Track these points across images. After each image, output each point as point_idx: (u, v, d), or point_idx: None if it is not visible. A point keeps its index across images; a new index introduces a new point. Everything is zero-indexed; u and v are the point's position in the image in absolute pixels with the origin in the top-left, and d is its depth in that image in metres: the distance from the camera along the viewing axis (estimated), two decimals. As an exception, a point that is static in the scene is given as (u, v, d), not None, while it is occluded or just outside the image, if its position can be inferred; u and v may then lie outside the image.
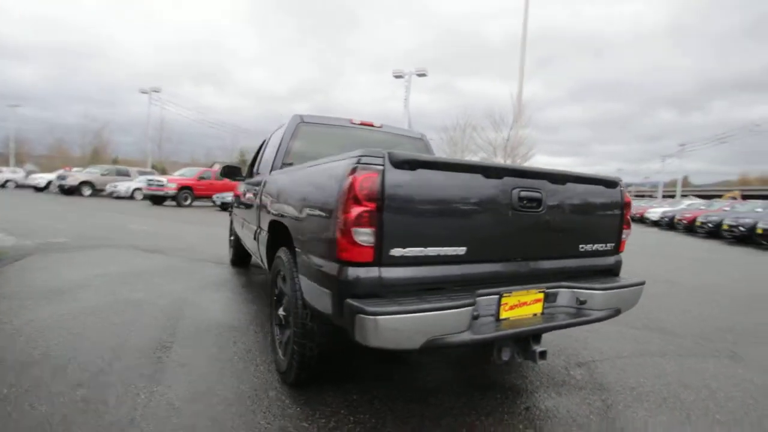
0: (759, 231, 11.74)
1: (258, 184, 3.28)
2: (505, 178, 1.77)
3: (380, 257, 1.48)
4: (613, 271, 2.25)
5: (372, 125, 3.56)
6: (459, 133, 29.67)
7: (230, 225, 5.64)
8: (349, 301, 1.45)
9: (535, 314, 1.83)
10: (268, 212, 2.66)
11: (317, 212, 1.68)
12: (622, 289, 2.01)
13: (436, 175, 1.63)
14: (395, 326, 1.40)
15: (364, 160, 1.48)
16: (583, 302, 1.94)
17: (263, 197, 2.93)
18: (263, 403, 2.03)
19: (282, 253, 2.21)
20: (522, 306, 1.79)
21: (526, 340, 1.85)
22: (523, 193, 1.80)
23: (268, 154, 3.66)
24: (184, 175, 19.66)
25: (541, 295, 1.87)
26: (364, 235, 1.46)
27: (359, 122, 3.50)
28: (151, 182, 17.93)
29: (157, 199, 17.96)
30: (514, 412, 2.05)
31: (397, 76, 20.73)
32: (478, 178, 1.72)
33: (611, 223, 2.18)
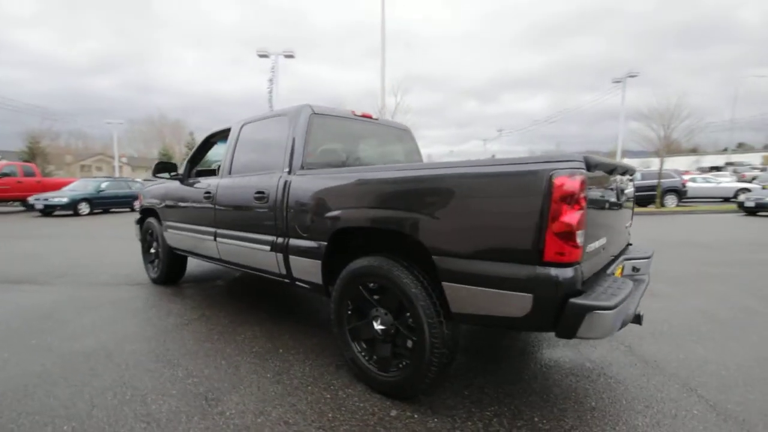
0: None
1: (263, 191, 2.78)
2: (617, 176, 2.07)
3: (582, 255, 1.57)
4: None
5: (371, 117, 3.38)
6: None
7: (147, 237, 4.53)
8: (576, 300, 1.49)
9: None
10: (325, 220, 2.33)
11: (504, 217, 1.61)
12: (650, 258, 2.56)
13: (597, 176, 1.82)
14: (618, 317, 1.52)
15: (575, 164, 1.51)
16: (637, 269, 2.41)
17: (301, 203, 2.52)
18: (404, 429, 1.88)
19: (392, 264, 2.01)
20: (618, 279, 2.14)
21: None
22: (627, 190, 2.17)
23: (260, 152, 3.11)
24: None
25: (620, 268, 2.26)
26: (581, 237, 1.52)
27: (360, 114, 3.29)
28: None
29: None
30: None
31: (261, 56, 19.08)
32: (606, 177, 1.98)
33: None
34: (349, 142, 3.26)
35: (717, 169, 33.11)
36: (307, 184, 2.52)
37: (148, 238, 4.54)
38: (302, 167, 2.70)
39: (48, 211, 13.39)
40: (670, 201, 16.10)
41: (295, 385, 2.25)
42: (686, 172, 22.41)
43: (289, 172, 2.69)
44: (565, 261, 1.52)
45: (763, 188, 15.04)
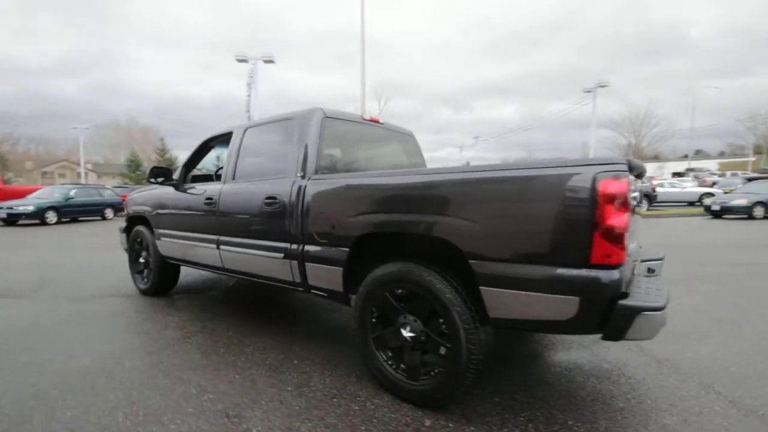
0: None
1: (274, 197, 2.69)
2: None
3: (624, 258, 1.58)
4: None
5: (378, 121, 3.35)
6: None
7: (136, 246, 4.30)
8: (626, 303, 1.49)
9: None
10: (347, 225, 2.26)
11: (548, 220, 1.60)
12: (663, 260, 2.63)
13: (631, 179, 1.86)
14: (664, 317, 1.54)
15: (619, 167, 1.52)
16: (652, 270, 2.46)
17: (318, 209, 2.44)
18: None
19: (423, 270, 1.97)
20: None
21: None
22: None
23: (267, 156, 3.01)
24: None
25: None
26: (627, 239, 1.53)
27: (369, 118, 3.25)
28: None
29: None
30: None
31: (240, 60, 18.73)
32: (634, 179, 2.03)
33: None
34: (359, 146, 3.21)
35: (679, 174, 34.92)
36: (325, 189, 2.45)
37: (136, 247, 4.31)
38: (316, 172, 2.63)
39: (12, 219, 12.59)
40: (643, 205, 16.84)
41: (319, 397, 2.16)
42: (653, 178, 23.55)
43: (303, 177, 2.61)
44: (611, 263, 1.52)
45: (725, 192, 15.98)
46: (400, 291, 2.10)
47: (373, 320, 2.22)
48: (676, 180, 24.65)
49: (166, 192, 3.81)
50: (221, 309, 3.78)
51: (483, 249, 1.76)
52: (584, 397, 2.19)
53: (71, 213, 14.15)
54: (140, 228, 4.19)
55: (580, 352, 2.78)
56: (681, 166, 43.09)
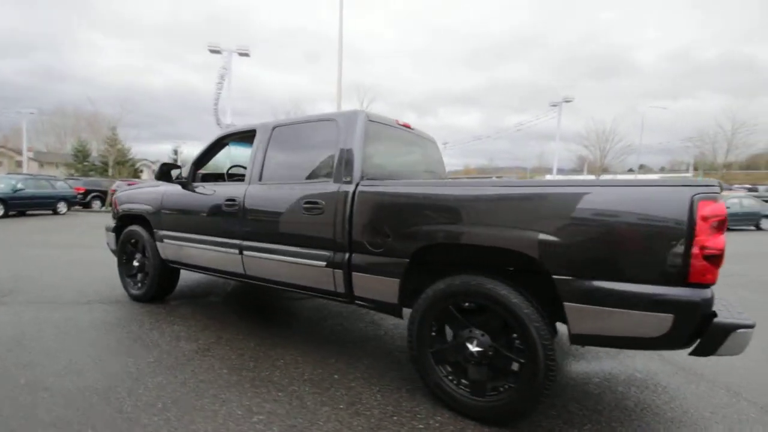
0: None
1: (315, 201, 2.55)
2: None
3: None
4: None
5: (409, 127, 3.28)
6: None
7: (128, 247, 3.95)
8: (722, 320, 1.54)
9: None
10: (407, 235, 2.19)
11: (643, 238, 1.62)
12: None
13: None
14: (751, 334, 1.60)
15: (713, 188, 1.57)
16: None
17: (372, 216, 2.34)
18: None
19: (496, 283, 1.93)
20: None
21: None
22: None
23: (303, 158, 2.86)
24: None
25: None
26: (722, 258, 1.57)
27: (402, 124, 3.18)
28: None
29: None
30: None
31: (213, 51, 17.90)
32: None
33: None
34: (396, 151, 3.14)
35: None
36: (380, 196, 2.36)
37: (128, 249, 3.96)
38: (362, 177, 2.53)
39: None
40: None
41: (378, 416, 2.06)
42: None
43: (349, 182, 2.50)
44: (705, 282, 1.57)
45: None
46: (467, 304, 2.05)
47: (432, 334, 2.16)
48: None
49: (173, 190, 3.53)
50: (229, 317, 3.54)
51: (570, 265, 1.75)
52: (633, 407, 2.25)
53: (19, 206, 12.85)
54: (135, 228, 3.85)
55: (610, 362, 2.86)
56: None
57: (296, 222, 2.67)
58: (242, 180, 3.12)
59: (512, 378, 1.94)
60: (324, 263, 2.52)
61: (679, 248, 1.56)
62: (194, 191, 3.39)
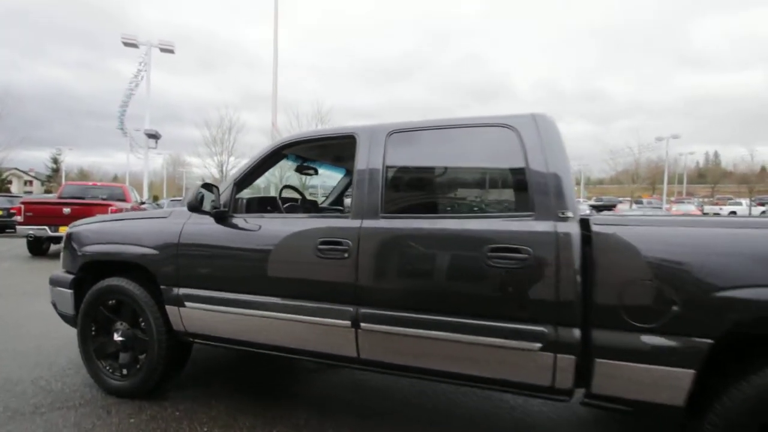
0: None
1: (517, 248, 1.66)
2: None
3: None
4: None
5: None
6: (222, 132, 27.67)
7: (101, 314, 2.51)
8: None
9: None
10: (712, 302, 1.42)
11: None
12: None
13: None
14: None
15: None
16: None
17: (635, 273, 1.52)
18: None
19: None
20: None
21: None
22: None
23: (458, 180, 1.93)
24: None
25: None
26: None
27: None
28: None
29: None
30: None
31: (128, 44, 15.03)
32: None
33: None
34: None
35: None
36: (650, 241, 1.54)
37: (101, 315, 2.52)
38: (570, 209, 1.72)
39: None
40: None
41: None
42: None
43: (564, 218, 1.67)
44: None
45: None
46: None
47: None
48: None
49: (204, 227, 2.28)
50: (255, 419, 2.31)
51: None
52: None
53: None
54: (117, 282, 2.45)
55: None
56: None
57: (475, 280, 1.73)
58: (337, 210, 2.07)
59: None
60: (538, 345, 1.62)
61: None
62: (239, 229, 2.21)
